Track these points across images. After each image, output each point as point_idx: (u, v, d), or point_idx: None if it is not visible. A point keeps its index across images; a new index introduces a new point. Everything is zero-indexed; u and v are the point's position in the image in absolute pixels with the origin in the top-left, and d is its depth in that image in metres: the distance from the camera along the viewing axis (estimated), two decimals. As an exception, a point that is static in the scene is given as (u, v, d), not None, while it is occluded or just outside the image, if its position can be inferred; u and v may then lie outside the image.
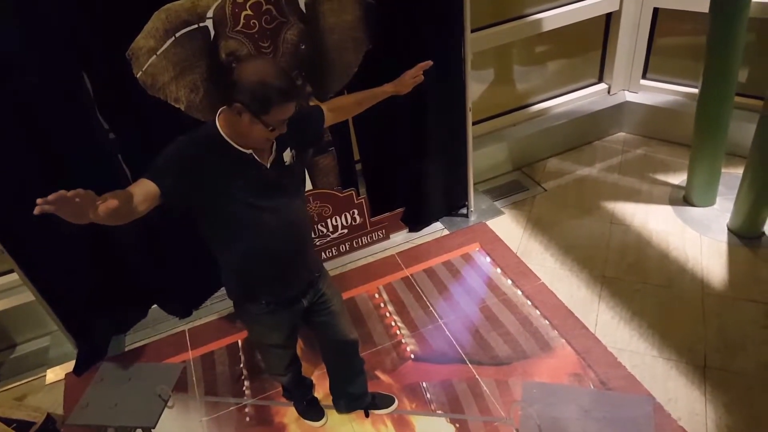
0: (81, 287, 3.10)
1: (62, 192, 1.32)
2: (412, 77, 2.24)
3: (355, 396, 2.70)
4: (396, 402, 2.82)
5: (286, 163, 1.90)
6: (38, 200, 1.29)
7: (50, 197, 1.30)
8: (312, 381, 2.84)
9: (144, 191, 1.66)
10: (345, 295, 3.45)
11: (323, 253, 3.67)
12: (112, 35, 2.55)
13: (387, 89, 2.24)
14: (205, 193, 1.77)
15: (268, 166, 1.85)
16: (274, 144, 1.85)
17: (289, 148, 1.90)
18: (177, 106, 2.78)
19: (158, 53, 2.63)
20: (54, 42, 2.49)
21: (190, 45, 2.69)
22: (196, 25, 2.66)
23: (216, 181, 1.76)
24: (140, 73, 2.64)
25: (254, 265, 2.01)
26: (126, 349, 3.33)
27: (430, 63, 2.24)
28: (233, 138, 1.78)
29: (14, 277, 3.13)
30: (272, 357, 2.43)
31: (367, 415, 2.78)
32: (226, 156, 1.78)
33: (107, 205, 1.48)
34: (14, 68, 2.45)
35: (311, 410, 2.80)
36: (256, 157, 1.81)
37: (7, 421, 2.78)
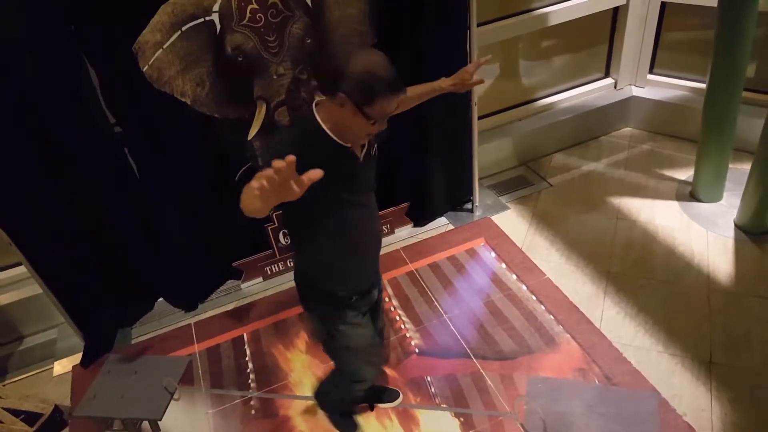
0: (88, 280, 3.12)
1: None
2: (471, 75, 2.15)
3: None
4: (401, 396, 2.82)
5: (372, 153, 1.91)
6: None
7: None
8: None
9: None
10: (350, 290, 3.47)
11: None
12: (119, 29, 2.55)
13: (444, 86, 2.19)
14: (310, 191, 1.67)
15: (362, 159, 1.85)
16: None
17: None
18: (183, 100, 2.79)
19: (164, 47, 2.64)
20: (60, 36, 2.50)
21: (197, 39, 2.69)
22: (202, 19, 2.67)
23: (332, 170, 1.68)
24: (146, 67, 2.65)
25: (353, 263, 2.02)
26: (132, 342, 3.35)
27: (489, 57, 2.20)
28: (335, 132, 1.74)
29: (22, 269, 3.16)
30: (368, 359, 2.31)
31: (371, 409, 2.79)
32: (328, 150, 1.75)
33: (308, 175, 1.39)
34: (21, 63, 2.46)
35: (345, 422, 2.72)
36: (354, 150, 1.80)
37: (16, 412, 2.80)
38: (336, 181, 1.72)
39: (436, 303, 3.33)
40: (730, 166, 3.68)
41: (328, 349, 2.29)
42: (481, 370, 2.91)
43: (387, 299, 3.39)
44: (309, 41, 2.88)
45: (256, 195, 1.39)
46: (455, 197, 4.00)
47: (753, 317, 3.02)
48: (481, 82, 2.19)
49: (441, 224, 3.95)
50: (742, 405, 2.63)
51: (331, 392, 2.58)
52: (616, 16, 4.32)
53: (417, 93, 2.19)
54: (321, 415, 2.81)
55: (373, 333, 2.27)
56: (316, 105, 1.80)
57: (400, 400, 2.81)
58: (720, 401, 2.66)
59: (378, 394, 2.79)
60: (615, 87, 4.59)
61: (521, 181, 4.25)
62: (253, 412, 2.89)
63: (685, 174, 4.04)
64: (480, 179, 3.96)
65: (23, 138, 2.61)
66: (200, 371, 3.12)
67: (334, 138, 1.75)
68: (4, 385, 3.20)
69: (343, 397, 2.53)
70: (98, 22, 2.52)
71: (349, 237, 1.95)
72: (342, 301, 2.07)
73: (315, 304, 2.14)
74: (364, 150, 1.86)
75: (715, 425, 2.56)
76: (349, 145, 1.79)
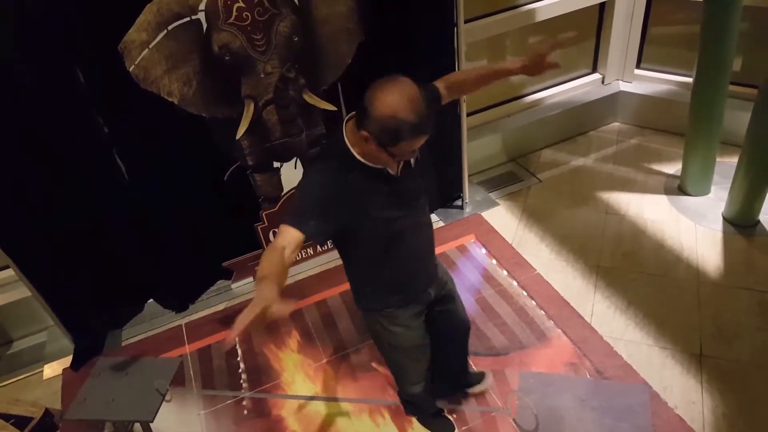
0: (77, 282, 3.09)
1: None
2: (545, 57, 1.88)
3: (459, 378, 2.69)
4: (490, 376, 2.78)
5: (412, 162, 1.83)
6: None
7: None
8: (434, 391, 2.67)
9: (293, 242, 1.62)
10: (341, 289, 3.46)
11: (318, 247, 3.66)
12: (104, 29, 2.53)
13: (513, 68, 1.96)
14: (347, 222, 1.75)
15: (399, 174, 1.80)
16: None
17: None
18: (170, 99, 2.77)
19: (150, 46, 2.62)
20: (46, 37, 2.47)
21: (183, 38, 2.67)
22: (188, 18, 2.65)
23: (356, 206, 1.73)
24: (133, 66, 2.63)
25: (400, 273, 2.00)
26: (123, 344, 3.33)
27: (572, 35, 1.96)
28: (364, 156, 1.71)
29: (10, 272, 3.13)
30: (416, 363, 2.31)
31: (464, 396, 2.75)
32: (361, 176, 1.72)
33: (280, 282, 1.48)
34: (8, 65, 2.44)
35: (440, 423, 2.69)
36: (388, 170, 1.76)
37: (6, 417, 2.78)
38: (374, 203, 1.75)
39: (427, 300, 3.33)
40: (718, 159, 3.71)
41: (379, 345, 2.30)
42: (473, 366, 2.91)
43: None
44: (296, 39, 2.87)
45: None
46: (445, 194, 4.00)
47: (742, 309, 3.04)
48: (557, 66, 1.94)
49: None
50: (732, 396, 2.66)
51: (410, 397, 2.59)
52: (602, 11, 4.33)
53: (478, 74, 2.05)
54: (314, 414, 2.82)
55: (423, 335, 2.23)
56: (346, 122, 1.75)
57: (490, 381, 2.77)
58: (710, 393, 2.68)
59: (467, 380, 2.74)
60: (602, 82, 4.61)
61: (510, 177, 4.26)
62: (245, 412, 2.88)
63: (674, 168, 4.07)
64: (469, 176, 3.96)
65: (9, 139, 2.59)
66: (191, 372, 3.10)
67: (364, 161, 1.72)
68: (-7, 390, 3.18)
69: (415, 396, 2.51)
70: (84, 22, 2.49)
71: (394, 253, 1.92)
72: (393, 305, 2.07)
73: (367, 305, 2.13)
74: (401, 165, 1.79)
75: (706, 417, 2.59)
76: (381, 166, 1.74)
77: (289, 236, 1.62)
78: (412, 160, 1.85)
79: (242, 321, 1.35)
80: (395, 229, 1.87)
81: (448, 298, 2.28)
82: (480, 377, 2.80)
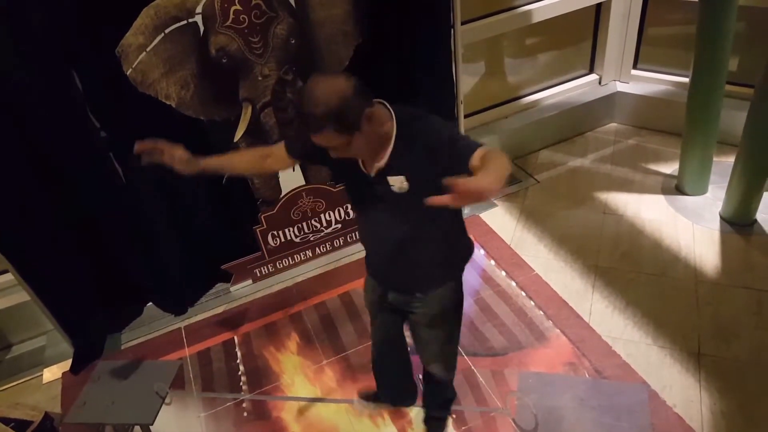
0: (76, 286, 3.10)
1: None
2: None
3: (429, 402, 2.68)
4: None
5: (394, 188, 1.77)
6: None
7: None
8: (413, 397, 2.71)
9: (278, 153, 2.03)
10: (340, 290, 3.47)
11: (317, 249, 3.67)
12: (101, 33, 2.54)
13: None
14: (332, 168, 2.16)
15: (373, 176, 1.79)
16: (385, 164, 1.75)
17: (403, 177, 1.75)
18: (168, 102, 2.78)
19: (148, 50, 2.63)
20: (43, 41, 2.48)
21: (180, 41, 2.68)
22: (185, 21, 2.66)
23: (338, 165, 1.84)
24: (130, 70, 2.64)
25: (366, 242, 2.11)
26: (122, 348, 3.33)
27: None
28: None
29: (9, 277, 3.13)
30: (372, 323, 2.39)
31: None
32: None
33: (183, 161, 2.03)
34: (5, 68, 2.44)
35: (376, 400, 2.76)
36: (360, 164, 1.81)
37: (5, 421, 2.78)
38: (349, 180, 1.95)
39: (426, 301, 3.33)
40: (715, 158, 3.72)
41: None
42: (472, 367, 2.92)
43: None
44: (293, 42, 2.88)
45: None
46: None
47: (740, 308, 3.05)
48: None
49: (430, 222, 3.95)
50: (730, 395, 2.66)
51: None
52: (599, 11, 4.35)
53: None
54: (314, 416, 2.83)
55: (376, 313, 2.29)
56: None
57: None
58: (709, 392, 2.68)
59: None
60: (600, 83, 4.62)
61: (508, 178, 4.25)
62: (245, 414, 2.88)
63: (671, 168, 4.08)
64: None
65: (8, 144, 2.59)
66: (191, 375, 3.11)
67: None
68: (-7, 394, 3.18)
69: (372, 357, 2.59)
70: (81, 26, 2.50)
71: (361, 221, 2.09)
72: (366, 263, 2.18)
73: None
74: (374, 172, 1.77)
75: (704, 415, 2.59)
76: (355, 157, 1.77)
77: (278, 149, 2.03)
78: (396, 183, 1.76)
79: (162, 144, 1.98)
80: (363, 211, 2.01)
81: (413, 324, 2.21)
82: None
